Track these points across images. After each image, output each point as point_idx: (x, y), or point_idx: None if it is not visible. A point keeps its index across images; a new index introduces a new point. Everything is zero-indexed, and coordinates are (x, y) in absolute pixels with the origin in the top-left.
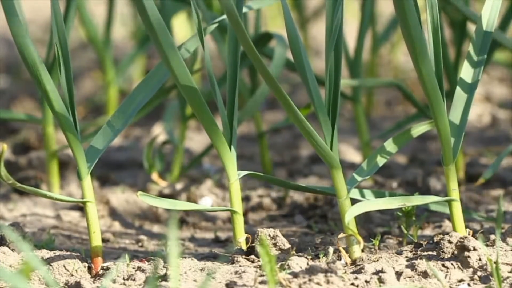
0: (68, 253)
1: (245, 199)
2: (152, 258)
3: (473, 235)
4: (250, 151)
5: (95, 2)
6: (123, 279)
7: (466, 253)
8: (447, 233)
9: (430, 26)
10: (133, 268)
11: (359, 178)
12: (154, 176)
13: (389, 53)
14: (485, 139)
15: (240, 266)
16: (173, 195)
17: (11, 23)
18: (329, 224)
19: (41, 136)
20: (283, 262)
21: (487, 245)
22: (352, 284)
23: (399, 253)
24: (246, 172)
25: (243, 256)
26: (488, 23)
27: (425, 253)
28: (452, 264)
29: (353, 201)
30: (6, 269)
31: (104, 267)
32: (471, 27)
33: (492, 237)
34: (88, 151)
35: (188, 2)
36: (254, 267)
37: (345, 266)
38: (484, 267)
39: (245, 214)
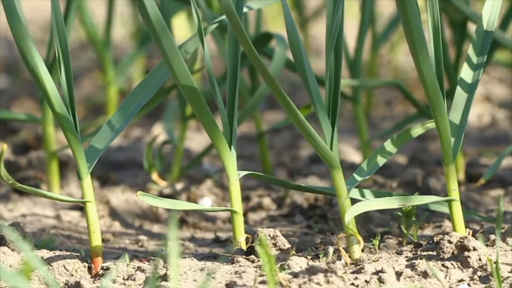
0: (68, 253)
1: (245, 199)
2: (152, 258)
3: (473, 235)
4: (250, 151)
5: (95, 2)
6: (123, 279)
7: (466, 253)
8: (447, 233)
9: (431, 26)
10: (133, 268)
11: (359, 178)
12: (154, 176)
13: (389, 53)
14: (485, 139)
15: (240, 266)
16: (173, 195)
17: (11, 23)
18: (329, 224)
19: (41, 136)
20: (283, 262)
21: (487, 245)
22: (352, 284)
23: (399, 253)
24: (246, 172)
25: (243, 256)
26: (489, 23)
27: (425, 253)
28: (452, 264)
29: (353, 201)
30: (6, 269)
31: (104, 267)
32: (472, 27)
33: (492, 237)
34: (88, 151)
35: (188, 2)
36: (254, 267)
37: (345, 266)
38: (484, 267)
39: (245, 214)
